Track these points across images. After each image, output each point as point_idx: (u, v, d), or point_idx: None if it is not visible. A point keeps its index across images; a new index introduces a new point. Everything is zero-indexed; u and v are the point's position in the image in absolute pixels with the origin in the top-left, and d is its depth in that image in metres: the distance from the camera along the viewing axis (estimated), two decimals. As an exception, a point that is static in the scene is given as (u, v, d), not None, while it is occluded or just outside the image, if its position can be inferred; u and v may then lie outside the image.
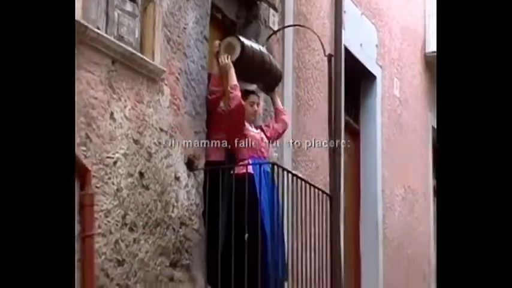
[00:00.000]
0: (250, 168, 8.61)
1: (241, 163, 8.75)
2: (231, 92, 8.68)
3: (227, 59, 8.78)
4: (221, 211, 8.35)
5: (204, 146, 8.56)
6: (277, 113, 9.55)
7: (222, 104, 8.88)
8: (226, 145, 8.72)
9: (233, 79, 8.71)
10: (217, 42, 8.96)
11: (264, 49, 9.30)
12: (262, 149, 9.03)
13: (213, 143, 8.65)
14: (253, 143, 8.95)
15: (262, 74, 9.05)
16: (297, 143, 9.95)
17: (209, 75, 8.88)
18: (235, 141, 8.83)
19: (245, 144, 8.89)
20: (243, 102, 8.78)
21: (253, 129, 9.13)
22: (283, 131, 9.56)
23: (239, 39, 9.02)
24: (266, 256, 8.37)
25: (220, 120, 8.78)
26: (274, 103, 9.61)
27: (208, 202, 8.43)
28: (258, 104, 9.36)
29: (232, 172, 8.61)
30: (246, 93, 9.01)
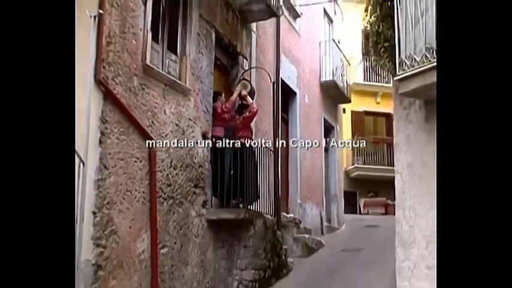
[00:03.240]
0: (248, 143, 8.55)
1: (242, 139, 8.50)
2: (253, 105, 8.86)
3: (245, 91, 8.88)
4: (225, 160, 8.22)
5: (210, 126, 8.45)
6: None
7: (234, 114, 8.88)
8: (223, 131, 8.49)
9: (251, 100, 8.88)
10: (239, 86, 9.03)
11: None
12: (250, 134, 8.98)
13: (217, 127, 8.45)
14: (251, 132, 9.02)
15: (251, 95, 9.11)
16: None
17: (215, 93, 8.70)
18: (245, 129, 8.82)
19: (251, 132, 9.01)
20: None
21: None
22: None
23: (249, 82, 9.29)
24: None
25: (223, 119, 8.53)
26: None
27: (213, 155, 8.26)
28: None
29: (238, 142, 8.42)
30: None
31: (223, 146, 8.17)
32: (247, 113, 8.85)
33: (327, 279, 8.81)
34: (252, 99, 9.07)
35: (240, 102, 8.98)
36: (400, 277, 5.66)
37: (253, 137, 8.99)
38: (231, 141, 8.20)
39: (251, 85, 9.22)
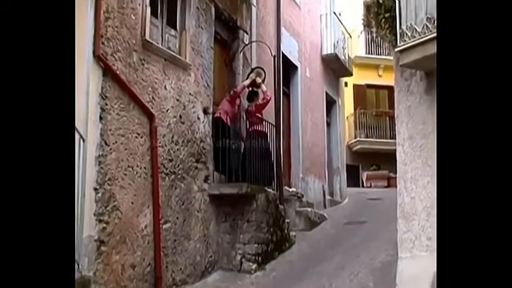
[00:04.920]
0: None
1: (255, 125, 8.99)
2: (267, 92, 9.17)
3: (259, 79, 9.12)
4: (231, 140, 8.34)
5: (211, 101, 8.42)
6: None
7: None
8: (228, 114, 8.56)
9: (265, 88, 9.16)
10: (252, 74, 9.22)
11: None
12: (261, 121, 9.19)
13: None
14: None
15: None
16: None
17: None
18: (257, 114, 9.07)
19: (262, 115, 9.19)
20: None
21: None
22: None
23: (263, 70, 9.37)
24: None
25: (233, 103, 8.72)
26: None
27: (215, 131, 8.28)
28: None
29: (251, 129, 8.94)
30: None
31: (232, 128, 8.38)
32: (259, 100, 9.07)
33: (330, 251, 8.85)
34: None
35: (250, 89, 9.15)
36: (402, 248, 5.67)
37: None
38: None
39: (265, 73, 9.34)
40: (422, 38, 4.98)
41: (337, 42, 14.98)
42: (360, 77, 20.40)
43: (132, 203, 6.35)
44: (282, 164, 10.37)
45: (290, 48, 12.36)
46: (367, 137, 21.35)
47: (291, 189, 11.13)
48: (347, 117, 19.66)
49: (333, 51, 14.72)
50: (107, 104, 6.08)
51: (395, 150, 5.97)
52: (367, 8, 6.33)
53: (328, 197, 14.03)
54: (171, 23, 7.73)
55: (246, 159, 8.50)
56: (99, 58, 5.99)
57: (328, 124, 15.34)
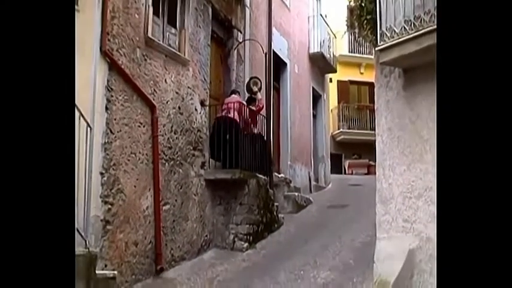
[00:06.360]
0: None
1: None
2: (261, 101, 9.23)
3: (256, 88, 9.28)
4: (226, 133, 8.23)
5: (208, 94, 8.43)
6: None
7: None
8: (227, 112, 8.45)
9: (260, 96, 9.26)
10: (251, 83, 9.37)
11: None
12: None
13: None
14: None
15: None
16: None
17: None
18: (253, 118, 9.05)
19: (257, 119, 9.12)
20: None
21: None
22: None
23: (259, 79, 9.49)
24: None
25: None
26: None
27: (224, 126, 8.30)
28: None
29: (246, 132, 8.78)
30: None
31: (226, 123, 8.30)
32: (255, 107, 9.09)
33: (315, 232, 8.93)
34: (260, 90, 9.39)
35: (249, 95, 9.27)
36: (379, 230, 5.72)
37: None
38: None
39: (260, 82, 9.45)
40: (400, 38, 5.02)
41: (323, 41, 15.00)
42: (343, 74, 20.42)
43: (134, 186, 6.38)
44: (272, 152, 10.40)
45: (280, 47, 12.36)
46: (349, 128, 21.46)
47: (280, 175, 11.18)
48: (331, 110, 19.70)
49: (319, 50, 14.75)
50: (112, 96, 6.10)
51: (375, 140, 6.01)
52: (351, 10, 6.38)
53: (313, 183, 14.09)
54: (172, 22, 7.72)
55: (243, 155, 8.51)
56: (105, 53, 6.00)
57: (314, 116, 15.37)
